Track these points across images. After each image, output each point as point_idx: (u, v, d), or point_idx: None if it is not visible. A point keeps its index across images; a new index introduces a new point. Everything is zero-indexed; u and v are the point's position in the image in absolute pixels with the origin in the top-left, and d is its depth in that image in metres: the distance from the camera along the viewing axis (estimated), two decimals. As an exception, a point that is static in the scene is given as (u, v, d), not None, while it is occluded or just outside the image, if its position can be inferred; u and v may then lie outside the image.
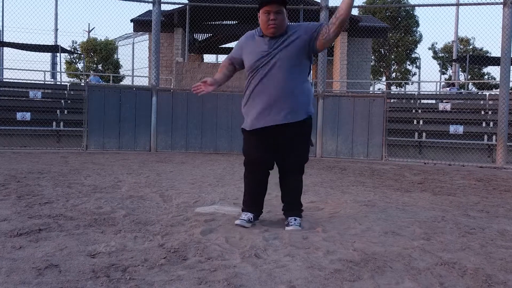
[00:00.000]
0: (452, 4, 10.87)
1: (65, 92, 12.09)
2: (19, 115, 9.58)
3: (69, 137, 9.91)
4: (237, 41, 3.17)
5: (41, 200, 3.50)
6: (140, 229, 2.69)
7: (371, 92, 18.65)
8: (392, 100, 12.49)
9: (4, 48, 18.01)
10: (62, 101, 11.37)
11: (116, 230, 2.64)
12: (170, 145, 8.87)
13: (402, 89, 23.33)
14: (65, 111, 10.82)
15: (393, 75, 30.27)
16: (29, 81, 12.89)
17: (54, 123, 10.16)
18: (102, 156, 7.62)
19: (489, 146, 9.71)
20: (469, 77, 22.24)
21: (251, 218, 2.95)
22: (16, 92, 11.58)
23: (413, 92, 14.57)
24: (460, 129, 9.44)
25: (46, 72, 17.70)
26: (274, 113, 2.85)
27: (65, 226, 2.70)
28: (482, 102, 11.89)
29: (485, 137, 9.75)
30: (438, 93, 15.42)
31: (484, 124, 10.36)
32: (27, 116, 9.63)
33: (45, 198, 3.57)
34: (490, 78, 27.69)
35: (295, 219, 2.94)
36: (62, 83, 17.48)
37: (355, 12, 16.88)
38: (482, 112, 10.88)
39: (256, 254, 2.27)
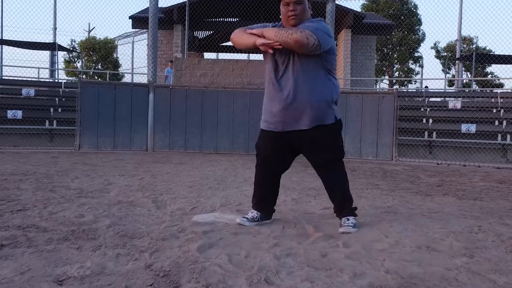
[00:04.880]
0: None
1: (60, 89, 11.65)
2: (9, 113, 9.13)
3: (63, 136, 9.47)
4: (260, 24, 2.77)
5: (15, 206, 3.05)
6: (124, 244, 2.24)
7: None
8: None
9: (3, 46, 17.53)
10: (56, 99, 10.93)
11: (96, 246, 2.19)
12: (168, 144, 8.41)
13: (404, 88, 22.87)
14: (59, 109, 10.38)
15: (396, 74, 29.79)
16: (22, 78, 12.43)
17: (47, 122, 9.72)
18: (95, 156, 7.16)
19: (503, 146, 9.25)
20: (472, 76, 21.76)
21: (257, 217, 2.75)
22: (7, 90, 11.13)
23: (423, 90, 14.16)
24: (472, 128, 8.99)
25: (40, 70, 17.16)
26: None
27: (35, 241, 2.24)
28: (493, 100, 11.43)
29: (499, 136, 9.29)
30: (445, 90, 15.04)
31: (497, 123, 9.90)
32: (19, 114, 9.19)
33: (20, 205, 3.11)
34: (494, 77, 27.21)
35: (347, 219, 2.70)
36: (58, 81, 17.03)
37: (358, 8, 16.46)
38: (494, 111, 10.42)
39: (266, 279, 1.82)
